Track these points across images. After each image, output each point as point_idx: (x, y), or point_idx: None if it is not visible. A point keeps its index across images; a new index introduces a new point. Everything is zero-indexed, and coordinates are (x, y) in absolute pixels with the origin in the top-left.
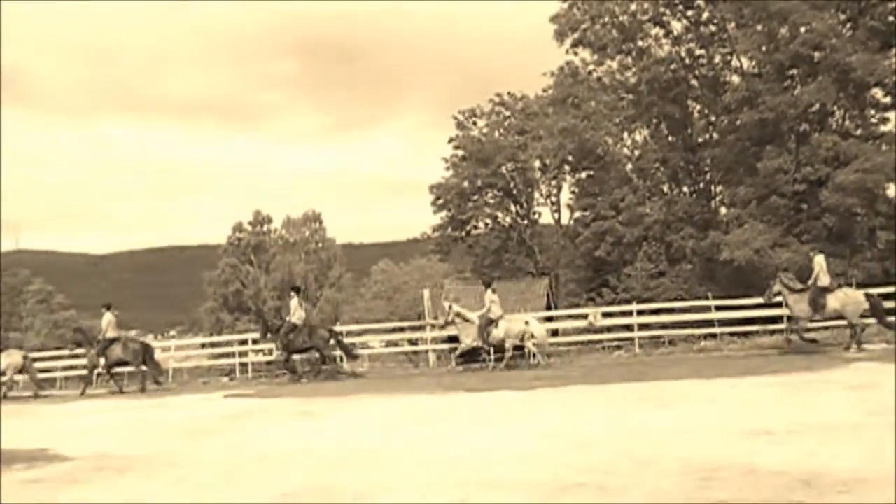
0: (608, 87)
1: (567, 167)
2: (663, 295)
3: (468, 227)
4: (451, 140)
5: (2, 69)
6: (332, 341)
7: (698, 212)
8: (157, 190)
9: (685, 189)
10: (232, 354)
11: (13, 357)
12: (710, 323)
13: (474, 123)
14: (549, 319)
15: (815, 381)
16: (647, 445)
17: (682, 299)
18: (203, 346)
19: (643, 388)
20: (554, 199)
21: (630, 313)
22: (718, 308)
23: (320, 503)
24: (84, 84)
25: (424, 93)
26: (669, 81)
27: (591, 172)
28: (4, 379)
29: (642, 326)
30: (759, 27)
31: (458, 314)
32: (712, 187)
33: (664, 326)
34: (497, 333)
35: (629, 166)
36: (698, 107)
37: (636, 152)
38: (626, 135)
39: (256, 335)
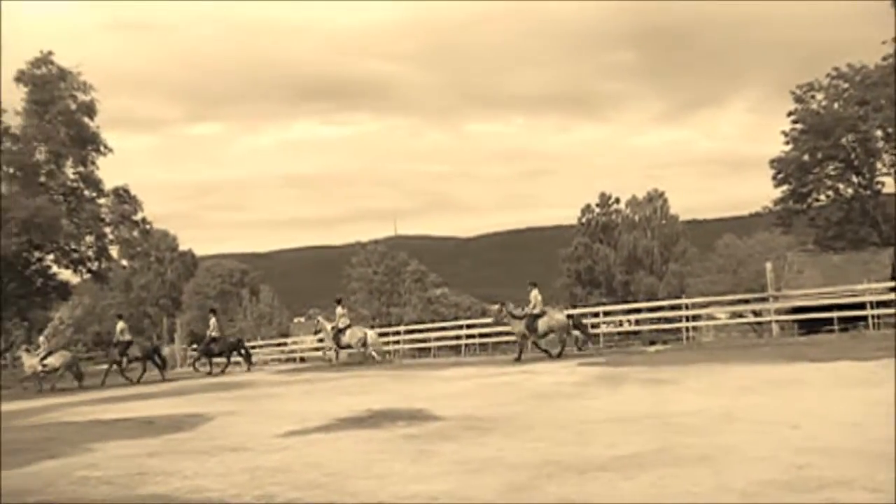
0: None
1: None
2: None
3: (809, 200)
4: (790, 114)
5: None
6: (237, 349)
7: None
8: (513, 177)
9: None
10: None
11: None
12: None
13: (812, 97)
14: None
15: None
16: None
17: None
18: None
19: None
20: None
21: None
22: None
23: (669, 462)
24: (446, 86)
25: (760, 70)
26: None
27: None
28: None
29: None
30: None
31: (320, 323)
32: None
33: None
34: (344, 339)
35: None
36: None
37: None
38: None
39: (608, 308)
